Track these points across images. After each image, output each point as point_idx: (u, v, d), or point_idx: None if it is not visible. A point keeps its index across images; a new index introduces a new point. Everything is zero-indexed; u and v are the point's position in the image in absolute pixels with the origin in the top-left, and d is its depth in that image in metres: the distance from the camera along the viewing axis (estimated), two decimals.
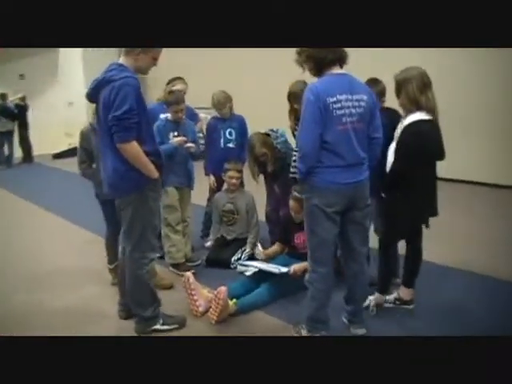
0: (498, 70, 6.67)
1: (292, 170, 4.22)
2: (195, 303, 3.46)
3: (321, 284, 2.93)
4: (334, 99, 2.68)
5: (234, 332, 3.25)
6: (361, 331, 3.15)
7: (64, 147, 11.76)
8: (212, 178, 4.78)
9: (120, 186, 3.00)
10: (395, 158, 3.12)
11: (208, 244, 4.82)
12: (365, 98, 2.78)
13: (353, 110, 2.73)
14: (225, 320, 3.35)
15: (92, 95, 2.96)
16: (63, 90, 12.39)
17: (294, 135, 4.26)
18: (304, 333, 3.06)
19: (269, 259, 4.04)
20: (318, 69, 2.78)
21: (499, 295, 3.68)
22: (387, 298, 3.48)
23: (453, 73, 6.91)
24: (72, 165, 10.42)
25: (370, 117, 2.85)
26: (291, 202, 3.94)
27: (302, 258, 3.91)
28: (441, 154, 3.17)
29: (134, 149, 2.85)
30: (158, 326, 3.21)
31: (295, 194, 3.92)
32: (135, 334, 3.20)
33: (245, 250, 4.47)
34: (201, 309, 3.46)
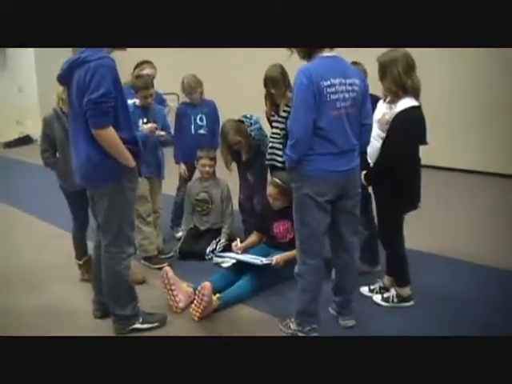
0: (493, 64, 6.54)
1: (269, 156, 4.09)
2: (175, 299, 3.29)
3: (312, 276, 2.81)
4: (328, 83, 2.55)
5: (218, 328, 3.11)
6: (350, 323, 3.06)
7: (15, 135, 11.17)
8: (183, 166, 4.58)
9: (94, 176, 2.78)
10: (387, 145, 3.00)
11: (179, 235, 4.64)
12: (357, 82, 2.67)
13: (346, 95, 2.61)
14: (208, 316, 3.20)
15: (64, 77, 2.72)
16: (12, 76, 11.74)
17: (270, 121, 4.12)
18: (293, 327, 2.95)
19: (247, 250, 3.90)
20: (309, 51, 2.64)
21: (493, 283, 3.64)
22: (371, 287, 3.40)
23: (449, 64, 6.84)
24: (25, 154, 10.07)
25: (362, 102, 2.74)
26: (270, 188, 3.80)
27: (282, 247, 3.81)
28: (425, 140, 3.10)
29: (110, 135, 2.65)
30: (137, 325, 3.02)
31: (275, 180, 3.79)
32: (113, 334, 3.02)
33: (219, 240, 4.31)
34: (181, 304, 3.29)
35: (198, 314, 3.15)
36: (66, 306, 3.43)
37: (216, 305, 3.24)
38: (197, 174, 4.61)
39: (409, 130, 2.95)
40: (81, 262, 3.76)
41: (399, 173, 3.00)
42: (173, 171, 4.65)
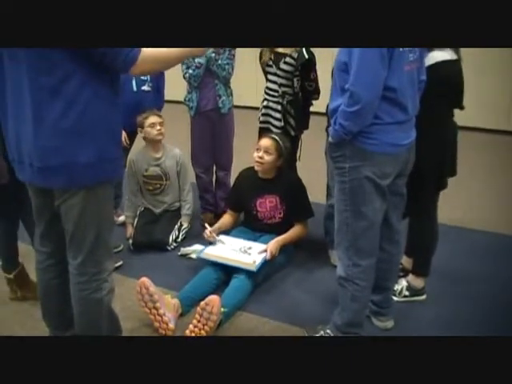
0: None
1: (262, 118, 3.40)
2: (163, 319, 2.48)
3: (365, 280, 2.19)
4: None
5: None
6: (390, 324, 2.53)
7: None
8: (123, 133, 3.60)
9: (78, 175, 1.84)
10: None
11: (120, 219, 3.74)
12: None
13: None
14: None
15: None
16: None
17: (265, 72, 3.33)
18: None
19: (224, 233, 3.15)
20: None
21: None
22: (396, 287, 2.77)
23: None
24: None
25: (422, 52, 2.08)
26: (265, 141, 3.07)
27: (269, 230, 3.14)
28: (461, 102, 2.51)
29: (149, 55, 1.79)
30: None
31: (270, 135, 3.09)
32: None
33: (181, 225, 3.50)
34: (171, 325, 2.50)
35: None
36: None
37: (218, 320, 2.51)
38: (138, 144, 3.68)
39: (437, 89, 2.30)
40: (11, 276, 2.76)
41: (427, 143, 2.38)
42: None
